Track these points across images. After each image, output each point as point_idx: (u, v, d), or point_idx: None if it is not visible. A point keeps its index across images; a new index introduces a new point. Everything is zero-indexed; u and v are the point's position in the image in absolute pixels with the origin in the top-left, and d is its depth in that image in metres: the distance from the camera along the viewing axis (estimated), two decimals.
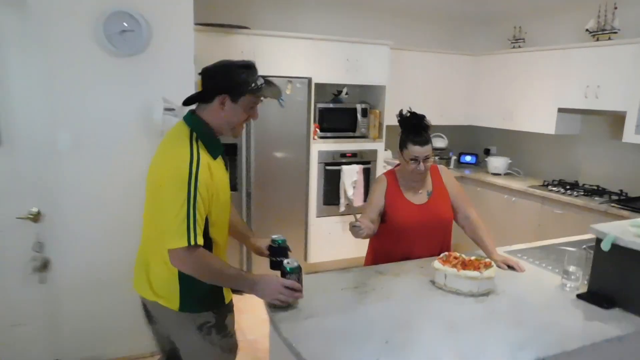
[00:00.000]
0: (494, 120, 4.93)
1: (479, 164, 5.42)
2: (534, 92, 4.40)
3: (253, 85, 1.59)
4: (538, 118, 4.37)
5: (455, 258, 1.97)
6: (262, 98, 1.65)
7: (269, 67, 3.82)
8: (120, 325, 2.88)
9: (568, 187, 4.13)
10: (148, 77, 2.72)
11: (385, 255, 2.30)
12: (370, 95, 4.68)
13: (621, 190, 3.90)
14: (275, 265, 1.87)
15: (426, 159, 2.16)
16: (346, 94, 4.47)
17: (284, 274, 1.67)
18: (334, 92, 4.49)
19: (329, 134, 4.31)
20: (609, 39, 3.81)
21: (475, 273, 1.82)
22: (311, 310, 1.66)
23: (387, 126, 4.57)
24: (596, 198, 3.78)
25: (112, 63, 2.64)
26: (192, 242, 1.50)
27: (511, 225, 4.36)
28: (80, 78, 2.59)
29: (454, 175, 2.43)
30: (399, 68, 4.68)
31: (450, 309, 1.71)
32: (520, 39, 4.75)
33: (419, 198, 2.28)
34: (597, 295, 1.81)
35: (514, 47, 4.80)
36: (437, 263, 1.92)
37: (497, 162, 4.86)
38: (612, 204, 3.56)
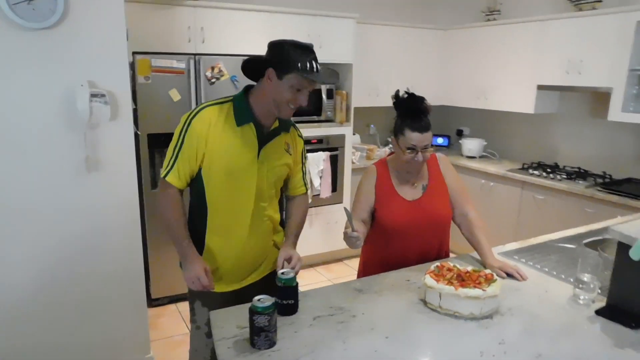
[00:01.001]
0: (467, 99, 4.62)
1: (451, 147, 5.13)
2: (511, 68, 4.11)
3: (300, 65, 1.53)
4: (515, 96, 4.08)
5: (450, 270, 1.62)
6: (309, 83, 1.57)
7: (218, 44, 3.35)
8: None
9: (549, 169, 3.88)
10: (68, 56, 2.22)
11: (377, 263, 1.97)
12: None
13: (604, 172, 3.68)
14: (280, 308, 1.46)
15: (425, 148, 1.84)
16: None
17: (252, 313, 1.29)
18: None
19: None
20: (593, 8, 3.53)
21: (477, 291, 1.47)
22: (274, 358, 1.27)
23: (355, 108, 4.19)
24: (580, 181, 3.55)
25: (19, 39, 2.11)
26: (163, 175, 1.65)
27: (490, 213, 4.09)
28: None
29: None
30: (366, 44, 4.28)
31: (451, 340, 1.37)
32: (495, 11, 4.42)
33: (412, 193, 1.95)
34: (620, 311, 1.50)
35: (488, 20, 4.48)
36: (429, 279, 1.56)
37: (471, 144, 4.57)
38: (598, 188, 3.33)
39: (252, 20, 3.52)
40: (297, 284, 1.51)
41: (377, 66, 4.41)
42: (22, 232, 2.26)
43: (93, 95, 2.24)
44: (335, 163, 4.08)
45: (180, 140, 1.63)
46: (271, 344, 1.32)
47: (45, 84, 2.19)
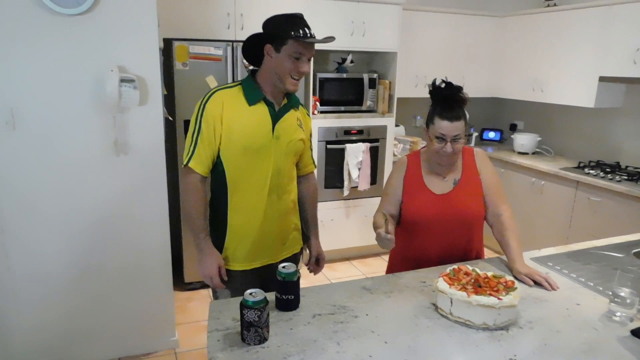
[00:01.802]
0: (521, 91, 4.32)
1: (504, 142, 4.84)
2: (570, 58, 3.78)
3: (293, 32, 1.57)
4: (574, 89, 3.76)
5: (467, 274, 1.50)
6: (305, 48, 1.60)
7: (257, 31, 3.30)
8: (78, 328, 2.52)
9: (608, 169, 3.55)
10: (99, 42, 2.27)
11: (399, 259, 1.90)
12: (378, 63, 4.13)
13: None
14: (279, 303, 1.43)
15: (455, 139, 1.73)
16: (351, 62, 3.93)
17: (243, 307, 1.24)
18: (337, 60, 3.96)
19: (330, 108, 3.80)
20: None
21: (491, 300, 1.34)
22: (261, 355, 1.21)
23: (399, 99, 4.04)
24: None
25: (53, 23, 2.18)
26: (185, 162, 1.67)
27: (539, 214, 3.82)
28: (12, 43, 2.14)
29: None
30: (412, 32, 4.10)
31: (456, 351, 1.25)
32: None
33: (442, 186, 1.84)
34: None
35: (547, 6, 4.14)
36: (441, 282, 1.45)
37: (524, 140, 4.28)
38: None
39: (292, 7, 3.41)
40: (298, 278, 1.44)
41: (424, 55, 4.21)
42: (53, 215, 2.35)
43: (123, 80, 2.28)
44: (375, 155, 3.95)
45: (197, 126, 1.66)
46: (261, 339, 1.26)
47: (77, 69, 2.25)
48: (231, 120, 1.64)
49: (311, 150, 1.93)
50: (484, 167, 1.88)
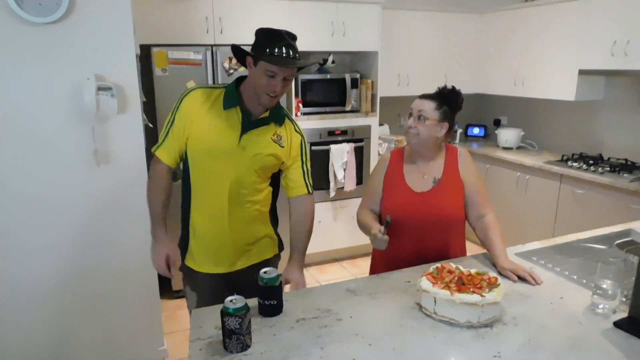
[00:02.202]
0: (504, 87, 4.35)
1: (488, 137, 4.87)
2: (551, 52, 3.81)
3: (268, 50, 1.54)
4: (555, 82, 3.79)
5: (450, 272, 1.49)
6: (278, 68, 1.56)
7: (237, 34, 3.29)
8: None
9: (591, 162, 3.58)
10: (74, 50, 2.23)
11: (377, 258, 1.92)
12: (360, 63, 4.13)
13: None
14: (262, 309, 1.42)
15: (420, 115, 1.76)
16: (332, 62, 3.93)
17: (223, 315, 1.22)
18: (318, 61, 3.95)
19: (314, 110, 3.79)
20: None
21: (474, 297, 1.33)
22: None
23: (382, 98, 4.04)
24: (625, 175, 3.25)
25: (25, 32, 2.13)
26: (153, 149, 1.73)
27: (525, 208, 3.85)
28: None
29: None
30: (393, 31, 4.10)
31: (440, 351, 1.24)
32: None
33: (421, 184, 1.83)
34: None
35: (526, 1, 4.17)
36: (425, 282, 1.44)
37: (508, 135, 4.31)
38: None
39: (272, 9, 3.44)
40: (280, 283, 1.42)
41: (406, 54, 4.22)
42: (33, 227, 2.31)
43: (100, 89, 2.24)
44: (360, 155, 3.95)
45: (171, 118, 1.69)
46: (244, 347, 1.24)
47: (52, 78, 2.21)
48: (200, 122, 1.65)
49: (304, 171, 1.81)
50: (467, 169, 1.86)
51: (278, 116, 1.73)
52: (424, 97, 1.79)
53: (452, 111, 1.79)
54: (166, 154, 1.71)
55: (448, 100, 1.78)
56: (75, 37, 2.21)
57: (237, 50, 1.67)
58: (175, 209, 1.82)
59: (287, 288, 1.68)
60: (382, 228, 1.67)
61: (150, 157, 1.78)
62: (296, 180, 1.81)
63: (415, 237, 1.82)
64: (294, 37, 1.62)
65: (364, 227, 1.85)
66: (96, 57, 2.26)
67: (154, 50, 3.05)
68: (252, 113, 1.68)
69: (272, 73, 1.56)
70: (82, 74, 2.23)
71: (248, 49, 1.63)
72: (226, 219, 1.71)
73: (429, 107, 1.75)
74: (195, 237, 1.77)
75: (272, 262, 1.88)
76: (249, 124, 1.67)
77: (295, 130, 1.80)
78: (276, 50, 1.55)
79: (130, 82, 2.36)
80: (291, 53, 1.58)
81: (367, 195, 1.94)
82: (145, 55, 3.15)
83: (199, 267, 1.79)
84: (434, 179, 1.84)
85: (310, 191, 1.83)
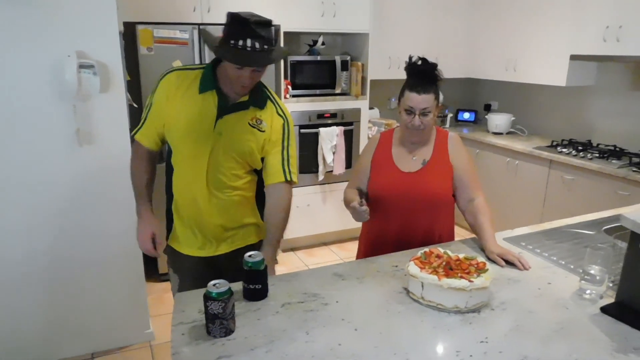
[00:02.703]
0: (495, 71, 4.31)
1: (479, 122, 4.85)
2: (543, 37, 3.78)
3: (232, 41, 1.45)
4: (547, 67, 3.76)
5: (438, 257, 1.47)
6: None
7: (223, 13, 3.17)
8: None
9: (580, 147, 3.58)
10: (55, 27, 2.15)
11: (375, 239, 1.87)
12: (351, 45, 4.07)
13: None
14: (247, 293, 1.39)
15: (424, 112, 1.71)
16: (322, 44, 3.86)
17: (206, 299, 1.19)
18: (308, 42, 3.88)
19: (303, 92, 3.73)
20: None
21: (462, 282, 1.32)
22: (227, 347, 1.17)
23: (372, 81, 3.99)
24: (613, 161, 3.25)
25: (3, 8, 2.04)
26: (133, 133, 1.70)
27: (514, 194, 3.85)
28: None
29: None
30: (384, 13, 4.04)
31: (427, 336, 1.23)
32: None
33: (410, 165, 1.82)
34: (629, 309, 1.32)
35: None
36: (412, 266, 1.42)
37: (498, 120, 4.29)
38: (633, 168, 3.04)
39: None
40: (265, 267, 1.39)
41: (397, 36, 4.16)
42: (14, 208, 2.25)
43: (81, 66, 2.17)
44: (350, 138, 3.91)
45: (150, 101, 1.65)
46: (227, 332, 1.22)
47: (32, 55, 2.14)
48: (176, 106, 1.60)
49: (283, 157, 1.68)
50: (457, 152, 1.84)
51: (259, 99, 1.65)
52: (421, 91, 1.69)
53: (438, 87, 1.76)
54: (145, 138, 1.68)
55: (434, 78, 1.73)
56: (55, 12, 2.13)
57: (204, 39, 1.61)
58: (160, 188, 1.78)
59: None
60: (361, 200, 1.67)
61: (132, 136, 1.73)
62: (274, 166, 1.68)
63: (401, 217, 1.81)
64: (264, 24, 1.47)
65: (346, 204, 1.81)
66: (77, 33, 2.19)
67: (139, 28, 2.97)
68: (229, 97, 1.60)
69: (239, 65, 1.48)
70: (63, 51, 2.16)
71: None
72: (207, 204, 1.66)
73: (430, 100, 1.70)
74: (179, 219, 1.74)
75: (257, 247, 1.80)
76: (226, 108, 1.59)
77: (278, 113, 1.68)
78: (240, 42, 1.44)
79: (113, 60, 2.28)
80: (257, 46, 1.45)
81: (355, 175, 1.94)
82: (130, 34, 3.06)
83: (182, 248, 1.76)
84: (423, 160, 1.82)
85: (289, 179, 1.68)
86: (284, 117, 1.70)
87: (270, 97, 1.70)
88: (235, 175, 1.66)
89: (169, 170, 1.71)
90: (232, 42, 1.45)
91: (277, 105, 1.70)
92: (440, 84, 1.76)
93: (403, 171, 1.81)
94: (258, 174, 1.75)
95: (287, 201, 1.70)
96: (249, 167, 1.69)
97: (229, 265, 1.70)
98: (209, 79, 1.59)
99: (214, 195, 1.66)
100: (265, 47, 1.47)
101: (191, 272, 1.76)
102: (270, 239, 1.69)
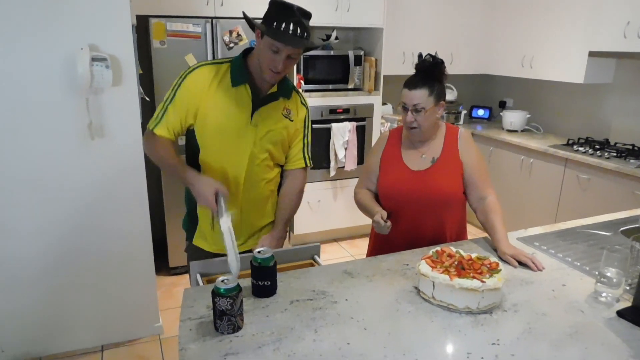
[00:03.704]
0: (511, 67, 4.24)
1: (493, 119, 4.78)
2: (560, 33, 3.70)
3: (275, 24, 1.48)
4: (564, 64, 3.69)
5: (450, 256, 1.45)
6: (281, 44, 1.48)
7: (238, 7, 3.20)
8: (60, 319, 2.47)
9: (597, 146, 3.51)
10: (68, 19, 2.16)
11: (385, 238, 1.81)
12: (364, 40, 4.03)
13: None
14: (255, 289, 1.39)
15: (416, 108, 1.68)
16: (336, 38, 3.80)
17: (214, 295, 1.18)
18: (321, 37, 3.84)
19: (315, 87, 3.71)
20: None
21: (474, 283, 1.29)
22: (235, 344, 1.16)
23: (385, 76, 3.94)
24: (631, 160, 3.18)
25: (19, 2, 2.05)
26: (151, 127, 1.61)
27: (528, 193, 3.79)
28: None
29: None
30: (399, 7, 3.99)
31: (437, 337, 1.20)
32: None
33: (419, 163, 1.79)
34: None
35: None
36: (423, 265, 1.40)
37: (513, 117, 4.22)
38: None
39: None
40: (274, 264, 1.38)
41: (412, 32, 4.11)
42: (28, 201, 2.27)
43: (94, 60, 2.17)
44: (362, 134, 3.88)
45: (172, 94, 1.60)
46: (235, 328, 1.21)
47: (44, 49, 2.15)
48: (210, 101, 1.58)
49: (304, 144, 1.79)
50: (467, 150, 1.81)
51: (286, 90, 1.69)
52: (412, 86, 1.68)
53: (442, 85, 1.73)
54: (165, 130, 1.61)
55: (434, 76, 1.70)
56: (68, 5, 2.13)
57: (247, 19, 1.61)
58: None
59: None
60: (385, 215, 1.67)
61: (145, 130, 1.71)
62: (296, 153, 1.79)
63: (411, 216, 1.79)
64: (306, 15, 1.53)
65: (364, 209, 1.83)
66: (90, 26, 2.19)
67: (152, 21, 2.96)
68: (261, 88, 1.63)
69: (276, 48, 1.50)
70: (76, 44, 2.16)
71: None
72: (242, 198, 1.69)
73: (422, 96, 1.67)
74: (205, 217, 1.73)
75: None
76: (259, 100, 1.62)
77: (302, 103, 1.77)
78: (283, 25, 1.48)
79: (126, 54, 2.28)
80: (299, 31, 1.49)
81: (365, 174, 1.92)
82: (143, 27, 3.06)
83: (210, 247, 1.75)
84: (432, 158, 1.80)
85: (309, 164, 1.82)
86: (306, 106, 1.79)
87: (294, 88, 1.75)
88: (268, 167, 1.72)
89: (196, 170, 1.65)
90: (276, 24, 1.48)
91: (300, 96, 1.77)
92: (445, 80, 1.74)
93: (412, 170, 1.79)
94: (280, 167, 1.81)
95: (303, 185, 1.83)
96: (278, 159, 1.74)
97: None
98: (241, 72, 1.60)
99: (248, 189, 1.69)
100: (305, 34, 1.52)
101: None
102: (284, 217, 1.79)
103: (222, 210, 1.49)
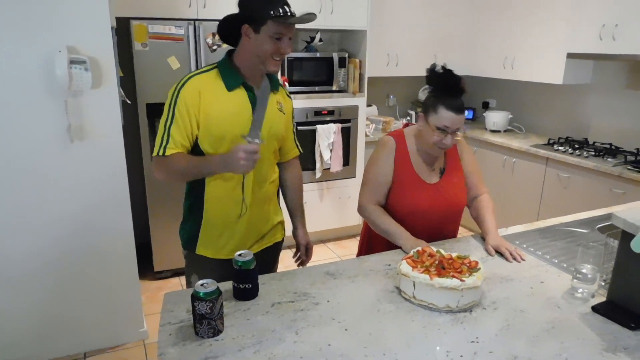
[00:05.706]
0: (493, 69, 4.30)
1: (476, 120, 4.84)
2: (540, 34, 3.76)
3: (273, 12, 1.47)
4: (543, 66, 3.75)
5: (431, 256, 1.46)
6: (286, 28, 1.50)
7: (221, 8, 3.19)
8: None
9: (576, 145, 3.58)
10: (45, 20, 2.13)
11: (382, 246, 1.80)
12: (348, 41, 4.05)
13: (638, 150, 3.35)
14: (236, 292, 1.38)
15: (456, 131, 1.65)
16: (320, 40, 3.84)
17: (194, 299, 1.17)
18: (305, 38, 3.86)
19: (300, 89, 3.72)
20: None
21: (454, 282, 1.31)
22: (215, 347, 1.16)
23: (370, 78, 3.97)
24: (609, 159, 3.24)
25: None
26: (160, 153, 1.54)
27: (511, 191, 3.84)
28: None
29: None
30: (383, 9, 4.02)
31: (418, 336, 1.22)
32: None
33: (430, 175, 1.79)
34: (619, 308, 1.31)
35: None
36: (404, 265, 1.41)
37: (495, 117, 4.28)
38: (628, 166, 3.03)
39: None
40: (255, 266, 1.38)
41: (396, 34, 4.14)
42: (3, 205, 2.23)
43: (72, 62, 2.15)
44: (347, 135, 3.89)
45: (170, 115, 1.53)
46: (215, 332, 1.21)
47: (21, 50, 2.12)
48: (209, 108, 1.54)
49: (294, 133, 1.84)
50: (466, 155, 1.88)
51: (275, 84, 1.70)
52: (458, 111, 1.63)
53: None
54: (175, 149, 1.53)
55: (461, 93, 1.66)
56: (46, 7, 2.11)
57: (227, 23, 1.56)
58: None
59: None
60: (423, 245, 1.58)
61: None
62: (290, 144, 1.84)
63: (429, 229, 1.78)
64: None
65: (385, 233, 1.74)
66: (68, 28, 2.17)
67: (134, 23, 2.94)
68: (253, 87, 1.61)
69: (279, 35, 1.50)
70: (54, 46, 2.14)
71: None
72: (248, 203, 1.66)
73: (463, 120, 1.66)
74: (209, 226, 1.68)
75: (280, 245, 1.91)
76: (256, 99, 1.60)
77: (287, 95, 1.80)
78: (280, 10, 1.48)
79: (105, 56, 2.26)
80: (292, 10, 1.53)
81: (373, 184, 1.79)
82: (124, 29, 3.04)
83: (214, 254, 1.70)
84: (440, 169, 1.82)
85: (301, 150, 1.91)
86: (290, 98, 1.82)
87: (279, 80, 1.77)
88: (273, 167, 1.76)
89: (199, 181, 1.64)
90: (272, 12, 1.47)
91: (284, 89, 1.80)
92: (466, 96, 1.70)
93: (428, 183, 1.77)
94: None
95: (301, 171, 1.93)
96: (277, 155, 1.79)
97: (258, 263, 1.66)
98: (232, 75, 1.58)
99: (256, 191, 1.68)
100: (294, 11, 1.55)
101: (220, 277, 1.68)
102: (300, 207, 1.92)
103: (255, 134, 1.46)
